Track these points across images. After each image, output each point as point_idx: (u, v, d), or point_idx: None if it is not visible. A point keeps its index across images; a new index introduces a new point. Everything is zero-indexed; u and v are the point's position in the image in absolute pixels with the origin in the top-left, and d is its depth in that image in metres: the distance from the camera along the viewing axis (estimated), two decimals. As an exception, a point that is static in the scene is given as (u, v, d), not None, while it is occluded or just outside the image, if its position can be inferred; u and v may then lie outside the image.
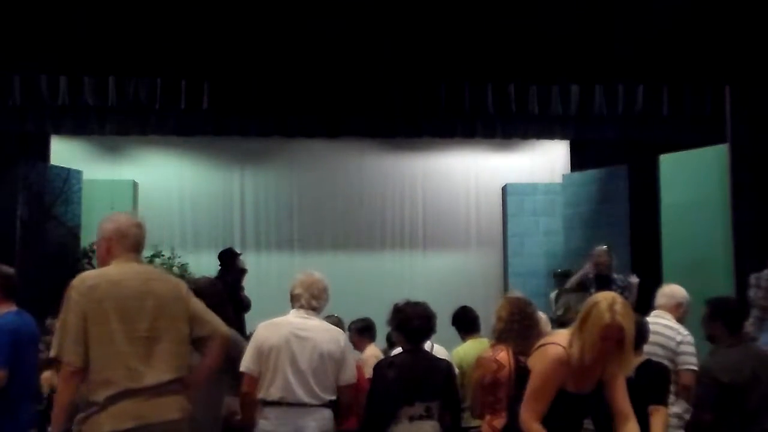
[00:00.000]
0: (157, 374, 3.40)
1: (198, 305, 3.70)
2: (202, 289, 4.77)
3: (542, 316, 5.02)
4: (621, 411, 3.40)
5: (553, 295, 9.27)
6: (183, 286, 3.69)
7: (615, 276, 8.54)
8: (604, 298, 3.30)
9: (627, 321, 3.23)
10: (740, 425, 4.26)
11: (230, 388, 4.62)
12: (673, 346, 4.91)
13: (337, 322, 5.11)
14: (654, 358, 4.73)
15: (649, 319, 5.12)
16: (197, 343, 3.60)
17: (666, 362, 4.78)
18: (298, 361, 4.32)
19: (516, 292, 4.87)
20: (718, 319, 4.56)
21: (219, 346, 3.66)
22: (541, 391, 3.27)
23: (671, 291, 5.27)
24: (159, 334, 3.45)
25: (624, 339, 3.22)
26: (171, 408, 3.43)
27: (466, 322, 5.53)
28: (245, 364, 4.37)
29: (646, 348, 4.85)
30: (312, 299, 4.47)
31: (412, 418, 4.23)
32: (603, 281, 8.33)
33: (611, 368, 3.32)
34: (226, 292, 9.03)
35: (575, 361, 3.23)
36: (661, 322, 5.03)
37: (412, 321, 4.41)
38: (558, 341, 3.34)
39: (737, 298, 5.01)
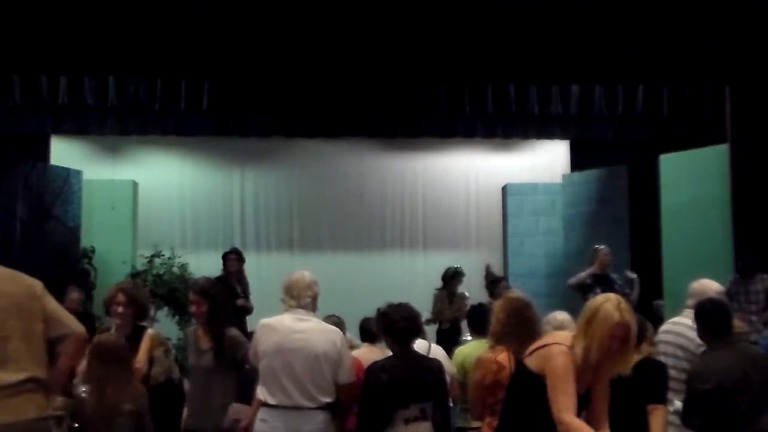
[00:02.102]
0: (9, 374, 3.35)
1: (54, 305, 3.65)
2: (206, 289, 4.79)
3: (563, 316, 4.92)
4: (601, 412, 3.46)
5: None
6: (38, 285, 3.63)
7: (613, 275, 8.57)
8: (608, 298, 3.34)
9: (632, 320, 3.31)
10: (732, 427, 4.25)
11: (234, 391, 4.65)
12: (693, 348, 4.82)
13: (337, 322, 5.10)
14: (673, 360, 4.73)
15: (675, 320, 5.10)
16: (53, 343, 3.56)
17: (686, 364, 4.77)
18: (292, 366, 4.33)
19: (516, 292, 4.84)
20: (699, 323, 4.53)
21: (75, 345, 3.62)
22: (564, 386, 3.27)
23: (700, 288, 5.09)
24: (10, 334, 3.40)
25: (629, 338, 3.28)
26: (26, 407, 3.38)
27: (477, 321, 5.52)
28: (251, 360, 4.52)
29: (668, 349, 4.88)
30: (292, 300, 4.49)
31: (407, 421, 4.21)
32: (605, 280, 8.33)
33: (613, 367, 3.33)
34: (227, 292, 9.07)
35: (580, 361, 3.25)
36: (685, 322, 4.95)
37: (396, 323, 4.41)
38: (560, 341, 3.35)
39: (720, 300, 4.95)
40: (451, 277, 9.40)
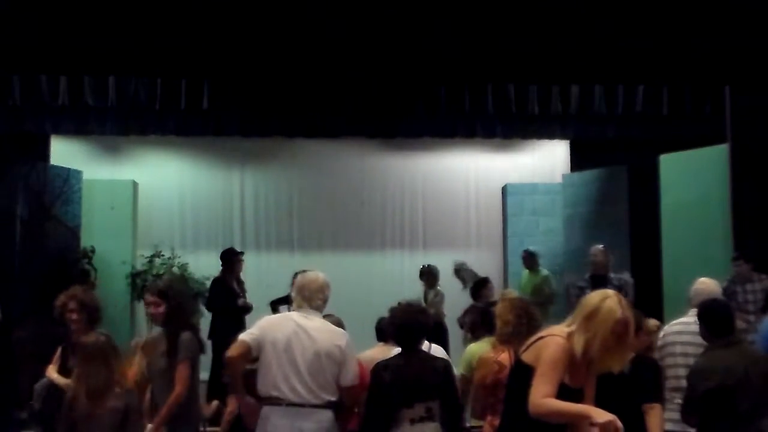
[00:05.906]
0: None
1: None
2: (164, 290, 4.80)
3: None
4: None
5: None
6: None
7: (612, 275, 8.54)
8: (608, 295, 3.37)
9: (631, 316, 3.35)
10: (732, 427, 4.24)
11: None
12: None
13: (337, 322, 5.11)
14: (692, 359, 4.73)
15: (685, 320, 5.14)
16: None
17: None
18: (297, 362, 4.32)
19: (513, 292, 4.83)
20: (701, 322, 4.56)
21: None
22: (550, 375, 3.26)
23: (701, 289, 5.21)
24: None
25: (628, 334, 3.30)
26: None
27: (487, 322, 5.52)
28: (246, 332, 4.42)
29: (687, 349, 4.92)
30: (303, 300, 4.49)
31: (413, 421, 4.19)
32: (599, 281, 8.31)
33: (606, 364, 3.34)
34: (226, 292, 9.07)
35: (579, 354, 3.26)
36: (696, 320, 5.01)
37: (397, 324, 4.42)
38: (556, 333, 3.36)
39: (723, 300, 4.96)
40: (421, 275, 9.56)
